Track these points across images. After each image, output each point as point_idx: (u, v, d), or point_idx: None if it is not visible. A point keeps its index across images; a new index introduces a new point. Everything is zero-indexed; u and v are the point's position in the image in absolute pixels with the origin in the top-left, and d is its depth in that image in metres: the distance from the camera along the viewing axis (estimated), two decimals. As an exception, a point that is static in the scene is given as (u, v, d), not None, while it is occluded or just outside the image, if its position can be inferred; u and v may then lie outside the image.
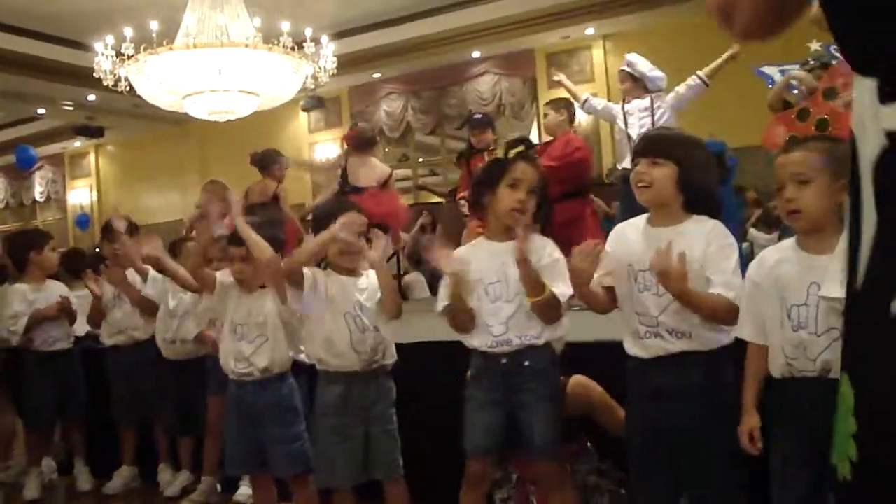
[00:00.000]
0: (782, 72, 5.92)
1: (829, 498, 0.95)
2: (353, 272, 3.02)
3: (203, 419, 4.05)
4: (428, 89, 12.48)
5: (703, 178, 2.48)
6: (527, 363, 2.61)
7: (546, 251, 2.65)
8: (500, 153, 2.78)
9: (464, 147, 6.62)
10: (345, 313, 2.95)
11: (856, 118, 0.92)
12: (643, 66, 5.81)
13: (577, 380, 2.88)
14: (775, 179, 2.25)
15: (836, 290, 1.97)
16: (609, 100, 7.12)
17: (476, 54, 11.84)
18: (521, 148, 2.72)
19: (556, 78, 6.41)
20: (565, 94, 6.57)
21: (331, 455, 2.96)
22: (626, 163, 5.35)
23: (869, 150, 0.88)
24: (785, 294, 2.21)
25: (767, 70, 5.93)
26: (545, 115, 6.05)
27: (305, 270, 2.93)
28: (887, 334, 0.83)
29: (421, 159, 13.57)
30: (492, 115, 8.61)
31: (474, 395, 2.70)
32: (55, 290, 4.65)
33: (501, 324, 2.62)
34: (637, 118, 5.69)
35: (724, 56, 5.67)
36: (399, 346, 3.12)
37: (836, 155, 2.14)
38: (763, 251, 2.43)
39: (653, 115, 5.63)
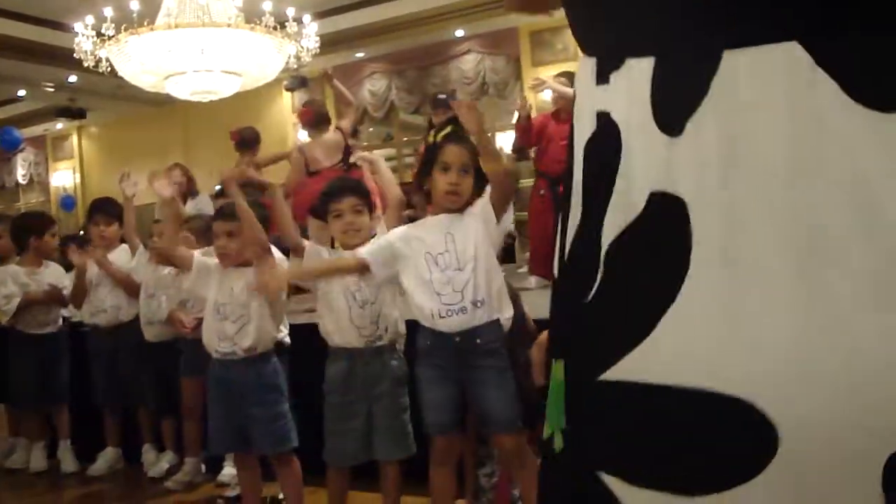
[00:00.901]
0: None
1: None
2: (353, 247, 3.03)
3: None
4: (412, 68, 12.43)
5: None
6: (478, 340, 2.64)
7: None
8: (431, 138, 2.86)
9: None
10: (345, 288, 2.96)
11: (577, 99, 0.93)
12: None
13: (539, 339, 2.88)
14: None
15: None
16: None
17: (460, 33, 11.79)
18: (448, 129, 2.77)
19: (535, 84, 5.64)
20: (551, 71, 6.49)
21: (335, 432, 2.99)
22: None
23: (583, 132, 0.89)
24: None
25: None
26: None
27: (313, 247, 3.04)
28: (582, 323, 0.88)
29: (406, 139, 13.53)
30: (451, 96, 8.48)
31: (424, 372, 2.73)
32: (51, 274, 4.70)
33: (456, 291, 2.64)
34: None
35: None
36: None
37: None
38: None
39: None
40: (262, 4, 8.61)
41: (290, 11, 8.82)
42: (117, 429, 4.54)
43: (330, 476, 3.07)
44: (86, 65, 8.79)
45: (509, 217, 2.80)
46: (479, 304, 2.64)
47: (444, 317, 2.65)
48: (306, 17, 9.26)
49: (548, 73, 7.80)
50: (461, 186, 2.70)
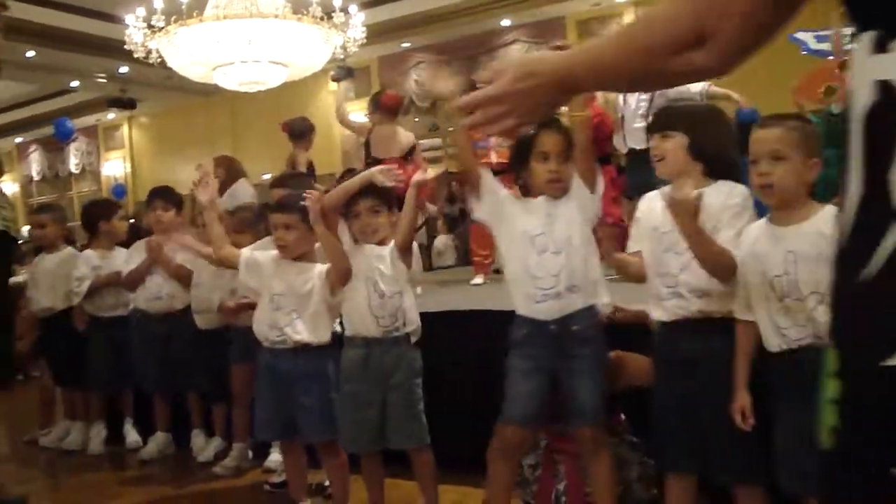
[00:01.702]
0: (818, 37, 5.81)
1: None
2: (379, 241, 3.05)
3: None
4: (458, 58, 12.40)
5: (717, 144, 2.51)
6: (575, 328, 2.61)
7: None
8: None
9: None
10: (365, 278, 2.99)
11: (853, 76, 0.90)
12: None
13: (617, 354, 2.88)
14: (750, 152, 2.29)
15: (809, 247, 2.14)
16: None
17: (506, 22, 11.75)
18: None
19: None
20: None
21: (347, 420, 3.03)
22: (616, 142, 5.41)
23: (860, 105, 0.86)
24: (765, 268, 2.27)
25: (801, 36, 5.82)
26: None
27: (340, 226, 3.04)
28: (864, 299, 0.81)
29: (451, 129, 13.52)
30: None
31: (517, 363, 2.69)
32: (121, 258, 4.79)
33: (552, 276, 2.62)
34: (635, 98, 5.28)
35: (732, 95, 5.36)
36: (424, 315, 3.15)
37: (808, 134, 2.23)
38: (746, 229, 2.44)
39: (651, 102, 5.16)
40: (309, -5, 8.65)
41: (337, 1, 8.84)
42: (168, 414, 4.63)
43: (363, 462, 3.11)
44: (136, 56, 8.92)
45: (600, 187, 2.77)
46: (574, 290, 2.62)
47: (539, 301, 2.63)
48: (353, 7, 9.28)
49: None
50: (562, 173, 2.68)
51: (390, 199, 3.12)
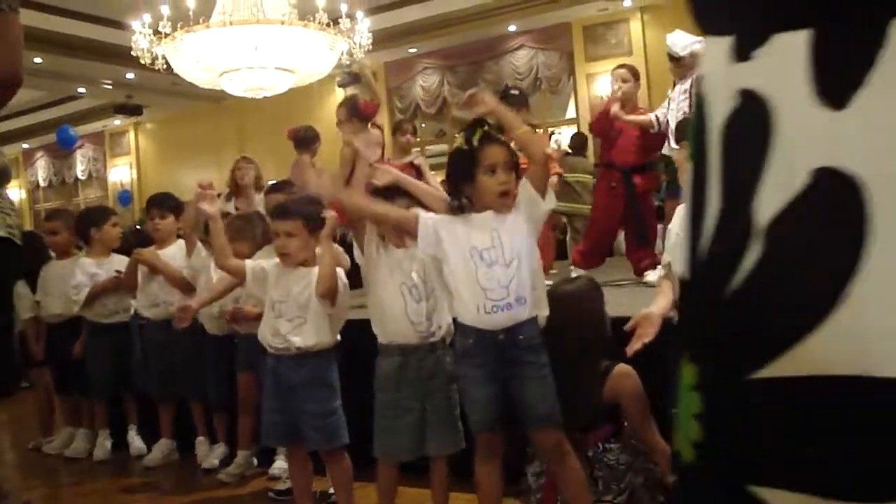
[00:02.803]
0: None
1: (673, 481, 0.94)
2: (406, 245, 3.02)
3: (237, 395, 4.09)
4: (464, 64, 12.43)
5: None
6: (521, 337, 2.61)
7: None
8: (458, 140, 2.83)
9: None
10: (400, 283, 2.95)
11: (706, 83, 0.90)
12: (678, 44, 5.16)
13: (622, 369, 2.85)
14: None
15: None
16: (647, 74, 6.92)
17: (512, 28, 11.75)
18: (482, 131, 2.72)
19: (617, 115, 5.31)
20: (605, 66, 6.37)
21: (387, 429, 2.97)
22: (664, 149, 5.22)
23: (718, 113, 0.86)
24: None
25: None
26: (623, 81, 5.39)
27: (368, 231, 3.01)
28: (726, 316, 0.82)
29: (457, 134, 13.52)
30: (526, 91, 8.41)
31: (469, 371, 2.69)
32: (119, 263, 4.78)
33: (502, 287, 2.60)
34: (676, 103, 5.12)
35: None
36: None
37: None
38: None
39: (690, 98, 4.98)
40: (315, 1, 8.66)
41: (343, 7, 8.85)
42: (172, 421, 4.61)
43: (381, 471, 3.07)
44: (143, 62, 8.95)
45: (552, 196, 2.75)
46: (522, 301, 2.61)
47: (489, 312, 2.61)
48: (359, 14, 9.29)
49: (601, 67, 7.72)
50: (511, 185, 2.67)
51: (415, 200, 3.09)
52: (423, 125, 13.51)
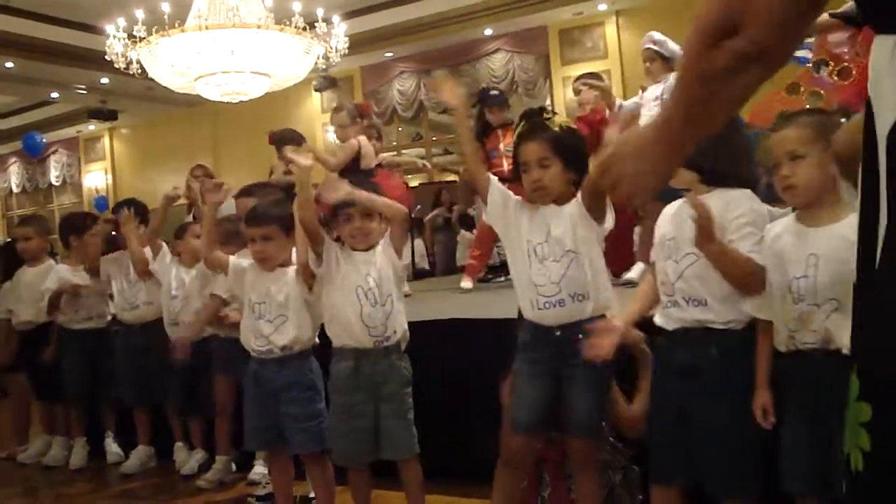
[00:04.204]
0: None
1: (841, 485, 0.91)
2: (366, 248, 3.02)
3: (210, 399, 4.06)
4: (441, 67, 12.43)
5: (711, 152, 2.45)
6: (580, 336, 2.54)
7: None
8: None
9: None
10: (356, 287, 2.94)
11: (872, 81, 0.84)
12: (672, 44, 5.08)
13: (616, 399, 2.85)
14: (772, 157, 2.27)
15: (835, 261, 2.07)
16: (622, 78, 6.97)
17: (488, 31, 11.78)
18: (522, 126, 2.73)
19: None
20: (580, 70, 6.42)
21: (340, 433, 2.98)
22: None
23: (883, 118, 0.80)
24: (786, 267, 2.23)
25: None
26: (579, 91, 5.55)
27: (326, 241, 2.99)
28: (892, 322, 0.78)
29: (434, 138, 13.53)
30: (505, 92, 8.39)
31: (523, 367, 2.66)
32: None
33: (553, 283, 2.59)
34: (648, 109, 5.07)
35: None
36: (413, 325, 3.12)
37: (826, 127, 2.17)
38: (766, 226, 2.42)
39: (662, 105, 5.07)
40: (291, 5, 8.64)
41: (320, 12, 8.84)
42: (149, 427, 4.57)
43: (351, 476, 3.07)
44: (117, 66, 8.89)
45: (610, 217, 2.72)
46: (579, 298, 2.59)
47: (541, 308, 2.60)
48: (335, 18, 9.29)
49: (577, 71, 7.74)
50: (543, 180, 2.64)
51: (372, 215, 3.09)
52: (400, 129, 13.51)
